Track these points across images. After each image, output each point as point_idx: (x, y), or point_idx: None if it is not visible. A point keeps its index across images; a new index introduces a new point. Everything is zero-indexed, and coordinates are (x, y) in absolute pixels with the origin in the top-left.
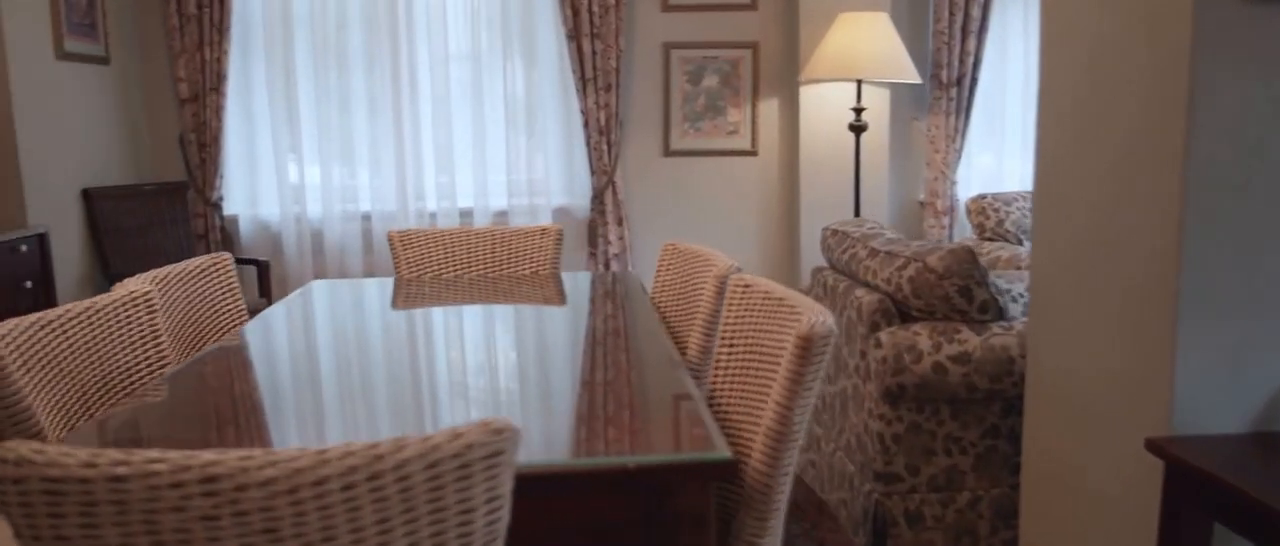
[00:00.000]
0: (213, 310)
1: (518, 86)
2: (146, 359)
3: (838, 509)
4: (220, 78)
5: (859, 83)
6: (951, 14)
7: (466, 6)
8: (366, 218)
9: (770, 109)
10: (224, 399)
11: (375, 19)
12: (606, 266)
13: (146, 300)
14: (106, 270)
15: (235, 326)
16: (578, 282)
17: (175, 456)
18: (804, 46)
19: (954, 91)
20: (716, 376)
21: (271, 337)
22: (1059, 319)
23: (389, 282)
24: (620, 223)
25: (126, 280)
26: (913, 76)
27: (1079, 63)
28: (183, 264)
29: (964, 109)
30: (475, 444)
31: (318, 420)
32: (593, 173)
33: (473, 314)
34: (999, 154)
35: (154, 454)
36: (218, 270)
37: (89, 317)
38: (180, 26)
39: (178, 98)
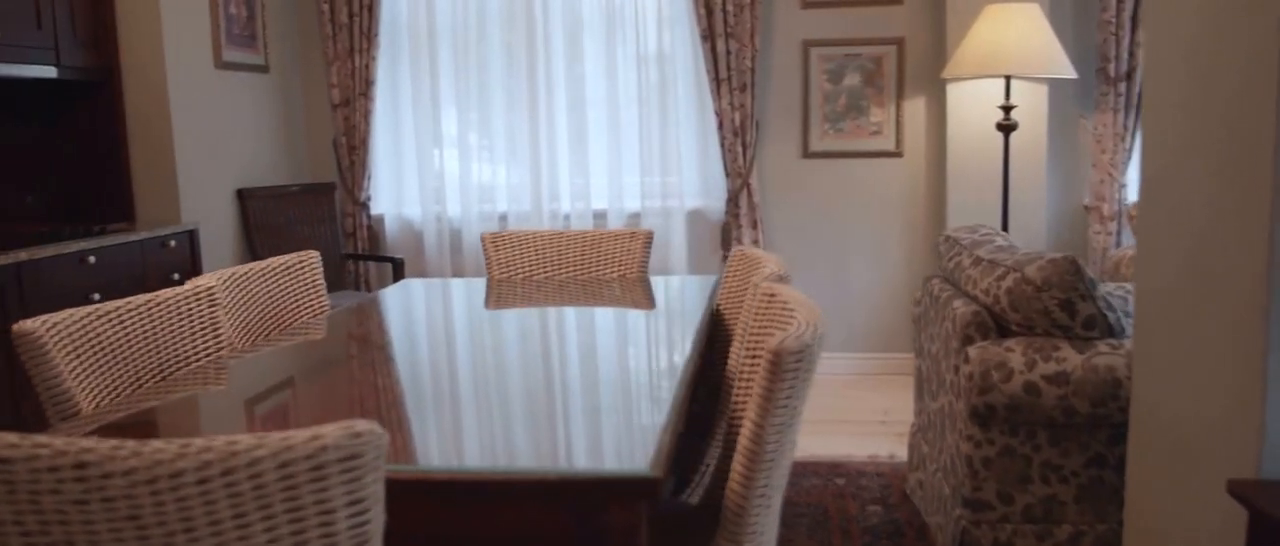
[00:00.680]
0: (295, 304)
1: (652, 88)
2: (206, 347)
3: (935, 533)
4: (368, 83)
5: (1007, 79)
6: (1119, 2)
7: (601, 9)
8: (503, 218)
9: (916, 108)
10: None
11: (513, 24)
12: None
13: (209, 294)
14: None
15: (313, 319)
16: (671, 287)
17: (59, 443)
18: (951, 41)
19: (1122, 86)
20: (738, 389)
21: (342, 329)
22: (1159, 344)
23: (480, 283)
24: (755, 226)
25: (198, 277)
26: (1067, 71)
27: (1178, 84)
28: (267, 261)
29: (1134, 105)
30: (331, 446)
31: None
32: (727, 175)
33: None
34: None
35: (42, 439)
36: (303, 267)
37: (149, 309)
38: (333, 35)
39: (330, 103)
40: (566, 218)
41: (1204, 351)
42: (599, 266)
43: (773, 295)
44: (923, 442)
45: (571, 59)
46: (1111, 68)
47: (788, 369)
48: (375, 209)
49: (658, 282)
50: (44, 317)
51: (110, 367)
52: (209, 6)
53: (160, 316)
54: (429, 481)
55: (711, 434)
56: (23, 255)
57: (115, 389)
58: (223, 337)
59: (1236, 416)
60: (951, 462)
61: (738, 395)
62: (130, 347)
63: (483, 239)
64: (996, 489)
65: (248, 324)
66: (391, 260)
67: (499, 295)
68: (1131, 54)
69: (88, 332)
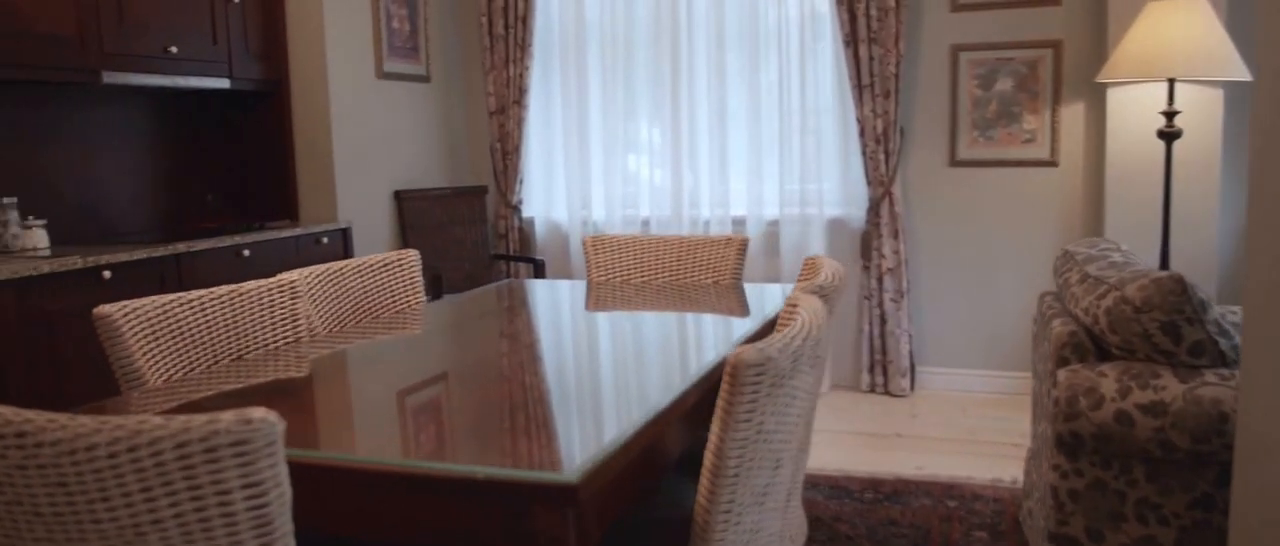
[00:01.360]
0: (390, 299)
1: (793, 95)
2: (285, 336)
3: None
4: (522, 91)
5: (1171, 82)
6: None
7: (744, 17)
8: (645, 222)
9: (1074, 115)
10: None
11: (659, 33)
12: (879, 281)
13: (292, 287)
14: None
15: (405, 312)
16: (766, 294)
17: (7, 413)
18: (1112, 43)
19: None
20: None
21: (435, 322)
22: (1269, 372)
23: (582, 285)
24: (897, 236)
25: (286, 273)
26: (1240, 73)
27: None
28: (365, 257)
29: None
30: (222, 431)
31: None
32: (868, 183)
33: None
34: None
35: (36, 419)
36: (401, 265)
37: (231, 299)
38: (490, 46)
39: (487, 110)
40: (706, 224)
41: None
42: (694, 271)
43: (794, 305)
44: (1032, 469)
45: (714, 66)
46: None
47: (746, 382)
48: (526, 212)
49: (753, 289)
50: (123, 303)
51: (188, 349)
52: (371, 23)
53: (242, 305)
54: (359, 471)
55: None
56: (181, 247)
57: (191, 366)
58: (300, 326)
59: None
60: (1042, 492)
61: None
62: (211, 332)
63: (584, 242)
64: (1085, 525)
65: (340, 315)
66: (533, 261)
67: (598, 297)
68: None
69: (168, 317)
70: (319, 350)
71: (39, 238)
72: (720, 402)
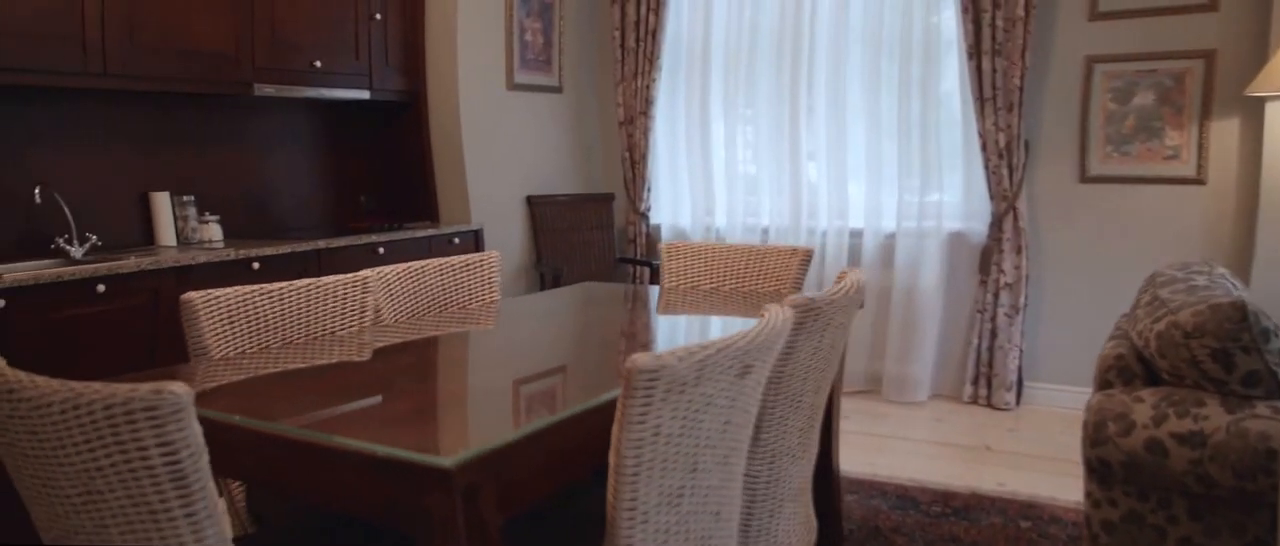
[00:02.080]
0: (467, 296)
1: (914, 108)
2: (354, 324)
3: None
4: (649, 102)
5: None
6: None
7: (867, 27)
8: (765, 231)
9: (1226, 130)
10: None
11: (781, 46)
12: (995, 296)
13: (364, 282)
14: (539, 262)
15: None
16: None
17: (9, 374)
18: (1275, 52)
19: None
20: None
21: (484, 317)
22: None
23: (656, 290)
24: (1020, 252)
25: (362, 271)
26: None
27: None
28: (449, 258)
29: None
30: (136, 398)
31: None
32: (991, 198)
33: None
34: None
35: (51, 385)
36: (482, 265)
37: (308, 291)
38: (621, 59)
39: (617, 120)
40: (823, 234)
41: None
42: (759, 279)
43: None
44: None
45: (835, 78)
46: None
47: (638, 386)
48: (654, 218)
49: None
50: (207, 292)
51: (261, 332)
52: (504, 38)
53: (317, 297)
54: (274, 437)
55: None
56: (322, 243)
57: (264, 345)
58: (367, 316)
59: None
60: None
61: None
62: (286, 318)
63: (661, 249)
64: None
65: (415, 308)
66: (649, 264)
67: (667, 302)
68: None
69: (246, 304)
70: (363, 337)
71: (214, 231)
72: (618, 404)
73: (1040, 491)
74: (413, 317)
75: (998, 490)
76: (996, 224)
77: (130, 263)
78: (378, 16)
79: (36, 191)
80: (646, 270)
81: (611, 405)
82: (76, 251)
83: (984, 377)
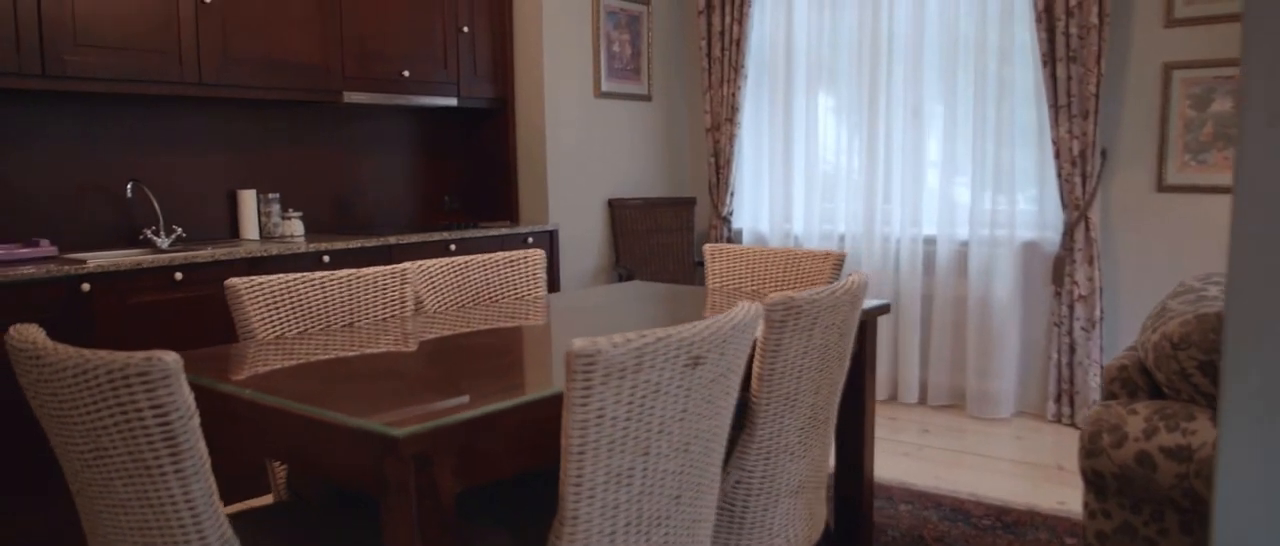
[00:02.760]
0: (512, 291)
1: (989, 115)
2: (392, 313)
3: None
4: (734, 109)
5: None
6: None
7: (944, 37)
8: (841, 238)
9: None
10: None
11: (860, 56)
12: (1070, 308)
13: (403, 274)
14: (617, 262)
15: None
16: None
17: (35, 339)
18: None
19: None
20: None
21: (517, 310)
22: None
23: (701, 291)
24: (1092, 262)
25: (403, 263)
26: None
27: None
28: (495, 254)
29: None
30: (132, 365)
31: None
32: (1064, 207)
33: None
34: None
35: (34, 343)
36: (526, 262)
37: (349, 281)
38: (708, 68)
39: (704, 127)
40: (897, 241)
41: None
42: (796, 282)
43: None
44: None
45: (911, 87)
46: None
47: (576, 370)
48: (736, 223)
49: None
50: (251, 278)
51: (304, 316)
52: (591, 49)
53: (358, 286)
54: (258, 405)
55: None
56: (392, 239)
57: (305, 327)
58: (407, 306)
59: None
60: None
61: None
62: (327, 304)
63: (704, 251)
64: None
65: (460, 300)
66: None
67: (714, 303)
68: None
69: (290, 291)
70: (398, 326)
71: (295, 227)
72: (565, 387)
73: None
74: (453, 309)
75: (1055, 508)
76: (1068, 233)
77: (206, 252)
78: (466, 29)
79: (128, 187)
80: None
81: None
82: (163, 242)
83: (1066, 395)
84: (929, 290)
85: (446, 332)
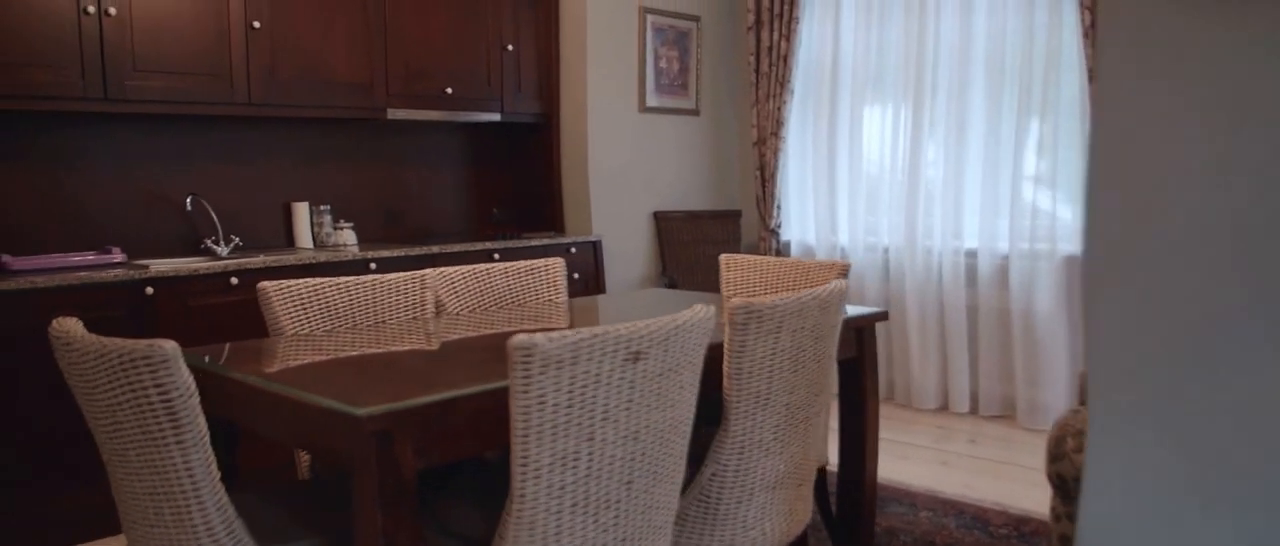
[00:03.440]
0: (533, 297)
1: (1032, 129)
2: (413, 315)
3: None
4: (779, 123)
5: None
6: None
7: (991, 52)
8: (885, 251)
9: None
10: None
11: (905, 72)
12: None
13: (424, 279)
14: (663, 273)
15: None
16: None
17: (76, 333)
18: None
19: None
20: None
21: (531, 312)
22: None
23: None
24: None
25: (436, 268)
26: None
27: None
28: (516, 262)
29: None
30: (138, 350)
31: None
32: None
33: None
34: None
35: (69, 331)
36: (546, 270)
37: (373, 285)
38: (756, 82)
39: (751, 141)
40: (938, 254)
41: None
42: (800, 289)
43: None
44: None
45: (957, 100)
46: None
47: (516, 361)
48: (784, 235)
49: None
50: (281, 282)
51: (329, 316)
52: (636, 65)
53: (381, 290)
54: (251, 387)
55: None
56: (435, 248)
57: (330, 326)
58: (427, 309)
59: None
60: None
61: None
62: (351, 306)
63: (720, 261)
64: None
65: (479, 305)
66: None
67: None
68: None
69: (316, 294)
70: (415, 326)
71: (347, 237)
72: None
73: None
74: (471, 312)
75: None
76: None
77: (259, 260)
78: (510, 47)
79: (188, 200)
80: None
81: None
82: (222, 250)
83: None
84: (973, 302)
85: (454, 334)
